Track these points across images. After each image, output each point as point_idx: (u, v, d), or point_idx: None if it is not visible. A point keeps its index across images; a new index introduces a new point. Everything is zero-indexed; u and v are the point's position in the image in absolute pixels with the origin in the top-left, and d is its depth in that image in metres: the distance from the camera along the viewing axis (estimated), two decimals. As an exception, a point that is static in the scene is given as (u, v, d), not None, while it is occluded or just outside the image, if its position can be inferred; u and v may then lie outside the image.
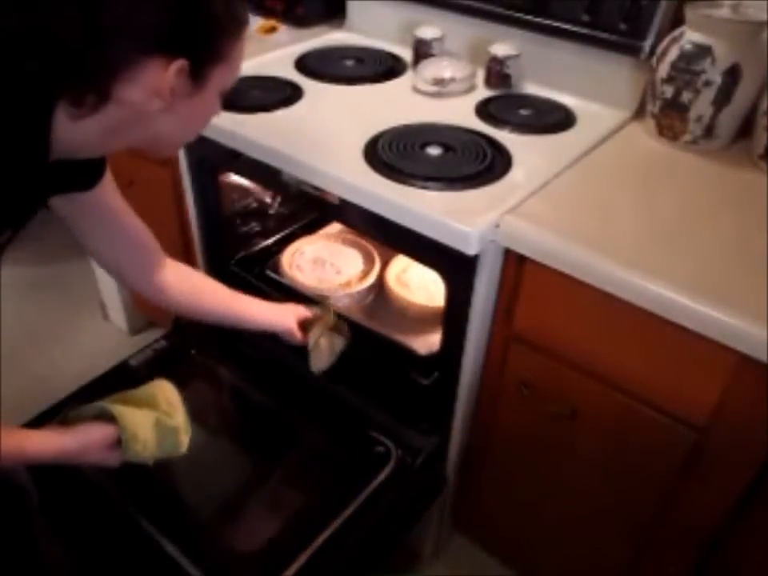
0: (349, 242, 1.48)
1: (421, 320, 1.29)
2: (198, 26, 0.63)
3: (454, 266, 0.96)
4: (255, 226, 1.56)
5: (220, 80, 0.69)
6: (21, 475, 0.97)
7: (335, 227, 1.58)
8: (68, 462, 0.82)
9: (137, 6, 0.59)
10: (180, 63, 0.63)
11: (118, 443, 0.81)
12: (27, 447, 0.78)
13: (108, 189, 0.86)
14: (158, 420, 0.84)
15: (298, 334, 1.10)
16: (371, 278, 1.37)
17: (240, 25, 0.68)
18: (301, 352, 1.12)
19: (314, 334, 1.09)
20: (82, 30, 0.57)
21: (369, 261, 1.43)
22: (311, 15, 1.54)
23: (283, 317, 1.09)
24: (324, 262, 1.43)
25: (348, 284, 1.38)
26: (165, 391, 0.89)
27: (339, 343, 1.14)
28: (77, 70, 0.59)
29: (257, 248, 1.56)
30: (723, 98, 1.02)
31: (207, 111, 0.74)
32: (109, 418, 0.81)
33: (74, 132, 0.63)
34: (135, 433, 0.81)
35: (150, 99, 0.64)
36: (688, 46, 1.02)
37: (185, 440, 0.88)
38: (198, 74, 0.66)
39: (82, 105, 0.61)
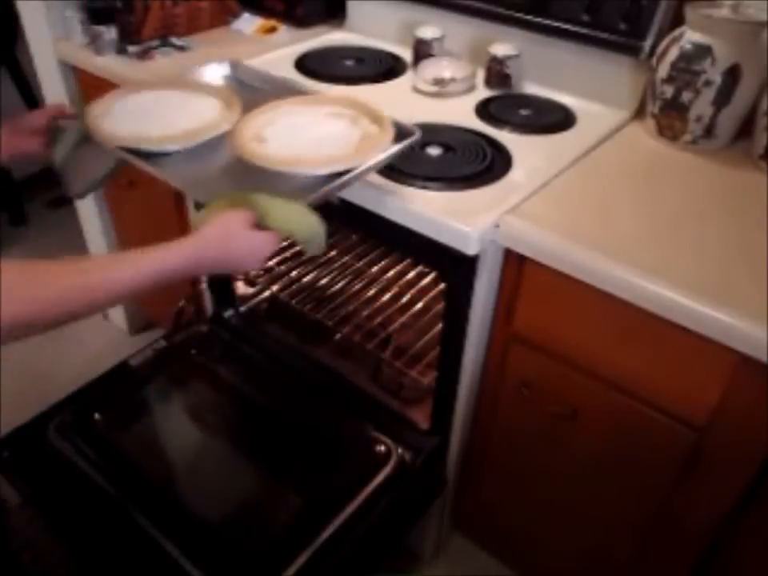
0: (203, 89, 1.05)
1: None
2: None
3: (454, 266, 0.96)
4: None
5: None
6: None
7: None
8: (220, 261, 0.73)
9: None
10: None
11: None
12: (155, 261, 0.68)
13: None
14: (283, 201, 0.76)
15: (32, 147, 0.93)
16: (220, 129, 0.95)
17: None
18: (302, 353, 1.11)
19: (59, 149, 0.91)
20: None
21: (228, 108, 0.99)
22: (311, 15, 1.54)
23: (2, 140, 0.91)
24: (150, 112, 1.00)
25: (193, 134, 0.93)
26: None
27: (106, 160, 0.94)
28: None
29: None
30: (723, 98, 1.02)
31: None
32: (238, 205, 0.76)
33: None
34: (267, 205, 0.75)
35: None
36: (688, 46, 1.02)
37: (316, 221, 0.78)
38: None
39: None
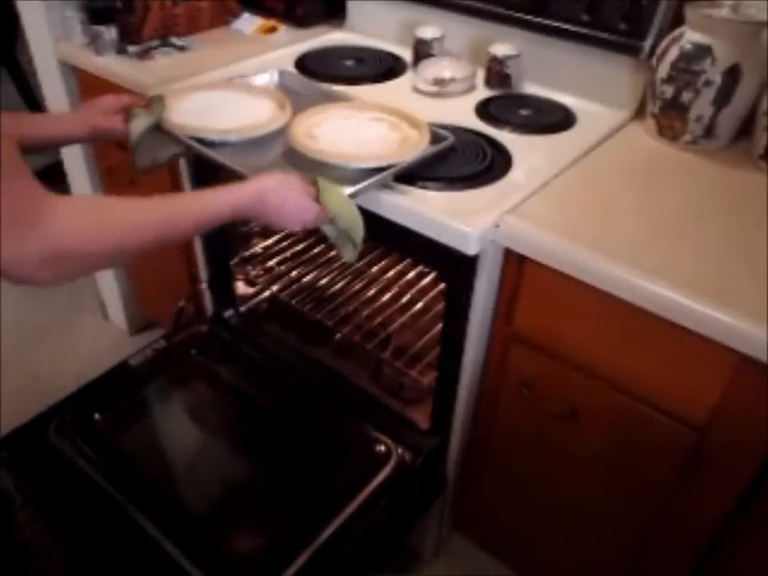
0: (257, 91, 1.18)
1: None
2: None
3: (454, 266, 0.96)
4: (255, 226, 1.56)
5: None
6: (4, 480, 0.96)
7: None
8: (274, 208, 0.83)
9: None
10: None
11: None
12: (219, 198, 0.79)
13: None
14: (339, 188, 0.89)
15: (112, 124, 1.00)
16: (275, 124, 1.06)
17: None
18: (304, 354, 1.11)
19: (135, 125, 1.01)
20: None
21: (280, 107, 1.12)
22: (311, 15, 1.54)
23: (81, 119, 1.00)
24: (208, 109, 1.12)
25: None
26: None
27: (171, 146, 1.06)
28: None
29: (256, 247, 1.57)
30: (723, 98, 1.02)
31: None
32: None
33: None
34: (325, 186, 0.88)
35: None
36: (688, 46, 1.02)
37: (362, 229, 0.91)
38: None
39: None
